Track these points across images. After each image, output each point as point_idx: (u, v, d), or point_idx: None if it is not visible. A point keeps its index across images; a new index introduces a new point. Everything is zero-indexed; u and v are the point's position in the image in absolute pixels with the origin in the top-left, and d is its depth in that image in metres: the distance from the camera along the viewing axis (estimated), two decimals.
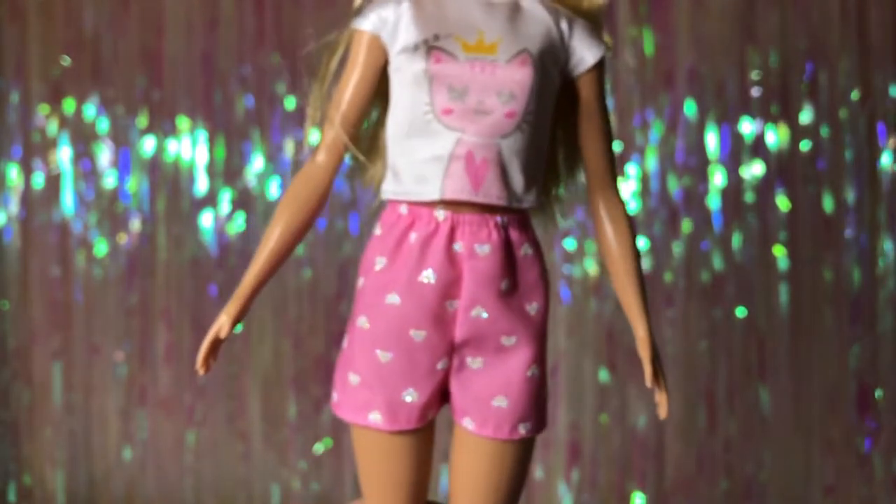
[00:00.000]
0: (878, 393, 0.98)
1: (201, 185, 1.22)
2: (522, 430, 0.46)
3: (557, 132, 0.55)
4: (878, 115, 0.98)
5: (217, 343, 0.51)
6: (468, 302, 0.46)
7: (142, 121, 1.22)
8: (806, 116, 0.99)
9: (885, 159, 0.99)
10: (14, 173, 1.25)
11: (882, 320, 0.97)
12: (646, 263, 1.02)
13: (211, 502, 1.19)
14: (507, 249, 0.47)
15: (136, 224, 1.24)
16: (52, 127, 1.24)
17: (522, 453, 0.46)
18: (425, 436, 0.47)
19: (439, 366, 0.47)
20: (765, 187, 1.00)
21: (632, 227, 0.51)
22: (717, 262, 0.99)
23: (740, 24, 1.00)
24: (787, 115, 1.00)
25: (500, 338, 0.47)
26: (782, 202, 1.00)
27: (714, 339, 1.00)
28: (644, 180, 1.01)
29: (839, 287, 0.98)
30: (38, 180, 1.24)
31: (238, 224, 1.21)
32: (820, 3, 0.99)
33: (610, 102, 1.00)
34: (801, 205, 0.99)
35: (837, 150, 0.99)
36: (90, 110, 1.23)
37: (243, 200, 1.23)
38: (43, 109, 1.24)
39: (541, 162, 0.50)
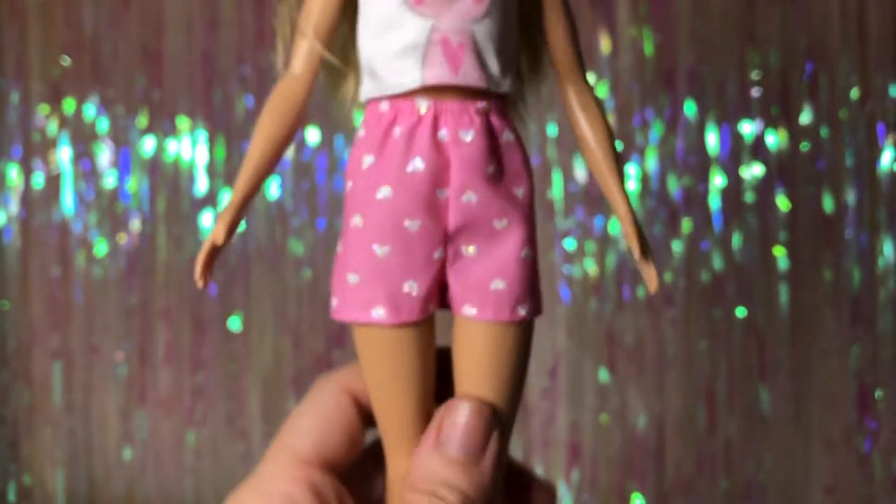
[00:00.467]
0: (878, 393, 0.98)
1: (201, 185, 1.22)
2: (522, 312, 0.47)
3: (520, 37, 0.57)
4: (878, 115, 0.98)
5: (215, 252, 0.51)
6: (458, 187, 0.46)
7: (142, 121, 1.21)
8: (806, 117, 0.99)
9: (885, 159, 0.99)
10: (14, 173, 1.25)
11: (882, 320, 0.97)
12: None
13: (211, 502, 1.19)
14: (490, 135, 0.48)
15: (136, 224, 1.24)
16: (52, 127, 1.24)
17: (523, 336, 0.47)
18: (427, 329, 0.47)
19: (436, 255, 0.47)
20: (765, 187, 1.00)
21: (603, 112, 0.52)
22: (717, 262, 0.99)
23: (740, 24, 1.00)
24: (787, 115, 1.00)
25: (492, 221, 0.48)
26: (782, 202, 1.00)
27: (714, 339, 1.00)
28: (644, 180, 1.01)
29: (839, 287, 0.98)
30: (38, 180, 1.24)
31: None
32: (820, 3, 0.99)
33: (610, 102, 1.00)
34: (801, 205, 0.99)
35: (837, 151, 0.99)
36: (90, 110, 1.23)
37: None
38: (43, 109, 1.24)
39: (511, 51, 0.51)
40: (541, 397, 1.01)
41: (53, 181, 1.26)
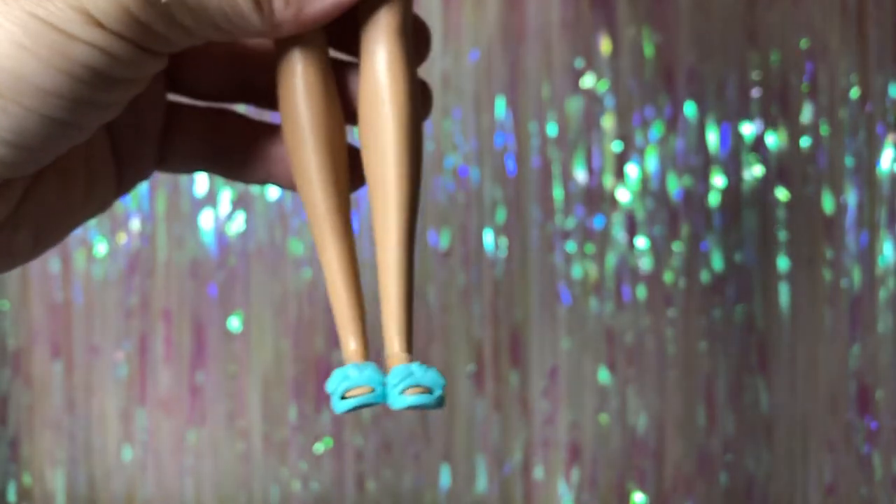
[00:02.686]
0: (878, 393, 0.99)
1: (201, 186, 1.22)
2: None
3: None
4: (878, 115, 0.99)
5: None
6: None
7: None
8: (806, 116, 0.99)
9: (886, 159, 0.99)
10: None
11: (882, 320, 0.97)
12: (646, 264, 1.02)
13: (211, 502, 1.19)
14: None
15: (135, 224, 1.23)
16: None
17: None
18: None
19: None
20: (765, 187, 1.00)
21: None
22: (717, 262, 0.99)
23: (740, 24, 1.00)
24: (787, 115, 1.00)
25: None
26: (782, 202, 1.01)
27: (714, 339, 1.00)
28: (644, 180, 1.01)
29: (839, 287, 0.98)
30: None
31: (238, 224, 1.21)
32: (820, 3, 0.99)
33: (610, 102, 1.00)
34: (800, 205, 0.99)
35: (837, 150, 0.99)
36: None
37: (243, 200, 1.22)
38: None
39: None
40: (541, 397, 1.01)
41: None
